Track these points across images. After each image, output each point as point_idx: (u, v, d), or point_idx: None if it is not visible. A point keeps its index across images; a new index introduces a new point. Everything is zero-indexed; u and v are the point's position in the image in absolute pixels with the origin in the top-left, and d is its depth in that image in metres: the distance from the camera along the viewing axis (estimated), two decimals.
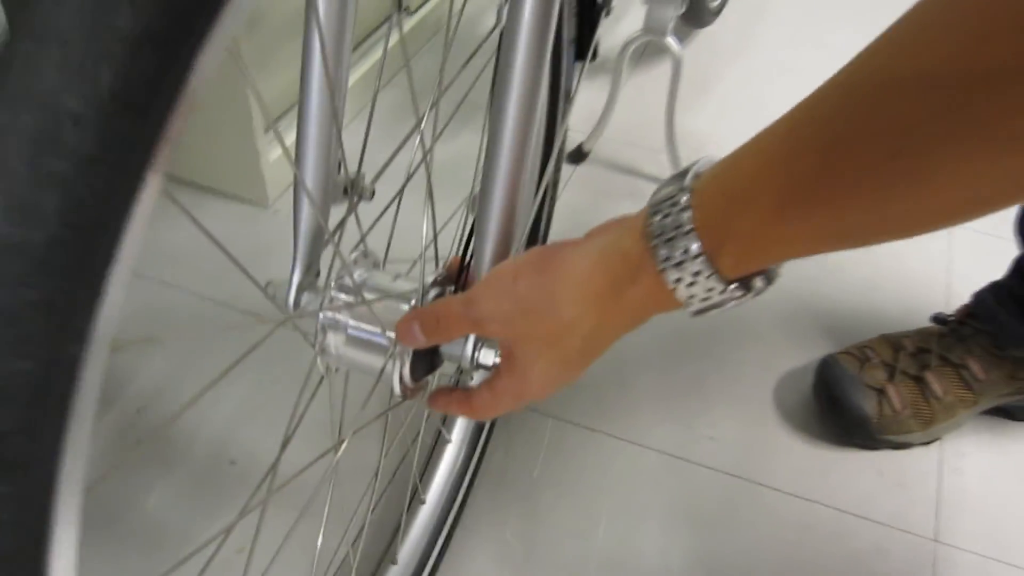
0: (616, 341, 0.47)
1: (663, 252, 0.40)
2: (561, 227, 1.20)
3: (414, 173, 0.63)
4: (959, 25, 0.29)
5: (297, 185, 0.56)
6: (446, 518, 0.85)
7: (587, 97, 1.41)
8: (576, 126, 1.36)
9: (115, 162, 0.25)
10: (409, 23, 1.44)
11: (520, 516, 0.89)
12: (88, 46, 0.24)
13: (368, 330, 0.55)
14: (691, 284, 0.40)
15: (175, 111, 0.26)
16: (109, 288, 0.27)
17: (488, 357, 0.54)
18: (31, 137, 0.24)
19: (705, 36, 1.62)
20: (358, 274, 0.56)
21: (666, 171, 1.29)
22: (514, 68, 0.49)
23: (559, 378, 0.48)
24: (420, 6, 1.46)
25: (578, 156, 1.32)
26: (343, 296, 0.56)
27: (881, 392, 0.94)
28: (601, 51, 1.44)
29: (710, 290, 0.40)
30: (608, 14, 0.79)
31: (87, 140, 0.24)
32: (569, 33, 0.77)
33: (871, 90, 0.32)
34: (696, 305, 0.41)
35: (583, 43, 0.81)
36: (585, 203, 1.26)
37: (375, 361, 0.56)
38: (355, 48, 1.31)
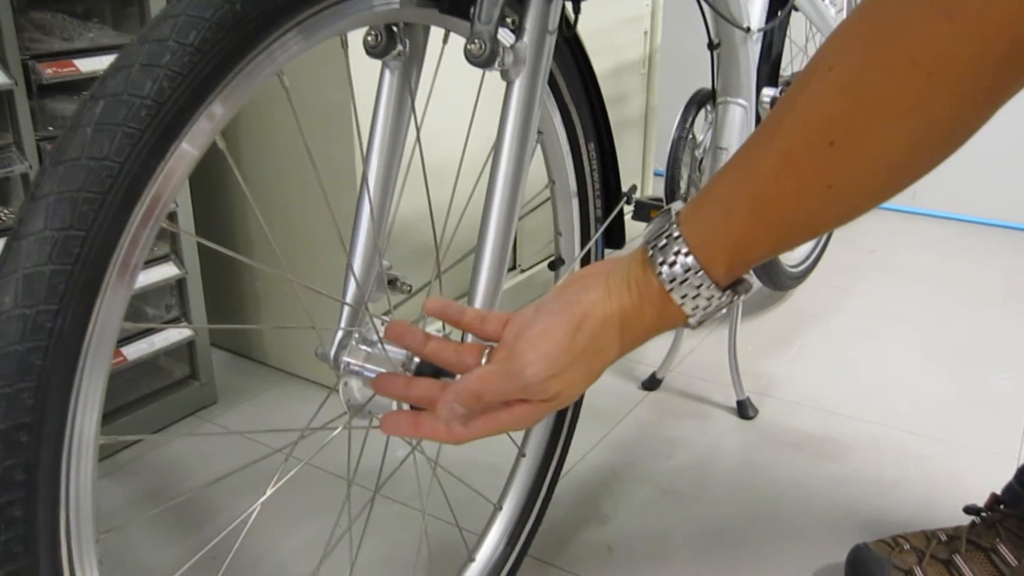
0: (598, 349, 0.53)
1: (666, 273, 0.50)
2: (626, 439, 1.31)
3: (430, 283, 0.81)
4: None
5: (347, 273, 0.75)
6: None
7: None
8: (652, 357, 1.50)
9: None
10: None
11: None
12: None
13: (375, 369, 0.70)
14: (695, 297, 0.50)
15: None
16: None
17: None
18: None
19: (795, 300, 1.80)
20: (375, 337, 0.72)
21: (732, 401, 1.39)
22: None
23: (548, 332, 0.52)
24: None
25: (652, 383, 1.45)
26: (364, 347, 0.72)
27: (908, 573, 0.94)
28: None
29: (710, 299, 0.50)
30: (630, 203, 0.98)
31: None
32: (597, 216, 0.96)
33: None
34: (699, 315, 0.51)
35: (612, 231, 0.99)
36: (652, 421, 1.36)
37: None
38: None
